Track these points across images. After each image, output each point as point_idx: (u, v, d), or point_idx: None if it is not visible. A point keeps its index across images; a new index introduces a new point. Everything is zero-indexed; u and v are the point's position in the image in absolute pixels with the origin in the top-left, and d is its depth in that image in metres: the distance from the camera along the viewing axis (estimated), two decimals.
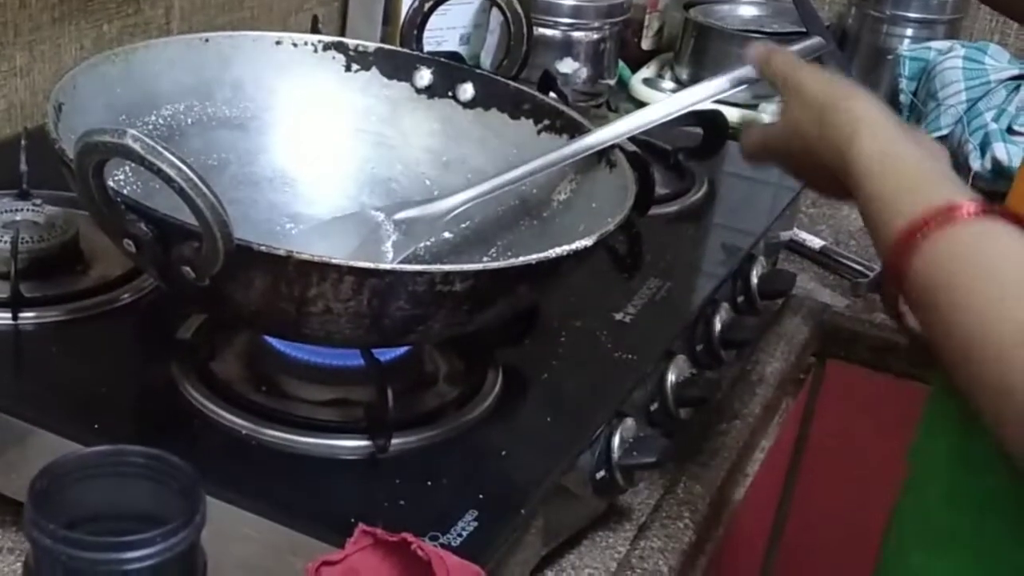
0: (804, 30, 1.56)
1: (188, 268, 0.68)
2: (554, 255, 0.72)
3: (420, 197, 0.93)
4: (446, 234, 0.91)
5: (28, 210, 0.92)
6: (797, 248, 1.30)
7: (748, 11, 1.68)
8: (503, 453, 0.79)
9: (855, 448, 1.28)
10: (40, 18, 1.15)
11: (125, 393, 0.80)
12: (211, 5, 1.35)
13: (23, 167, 0.96)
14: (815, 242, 1.30)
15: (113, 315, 0.87)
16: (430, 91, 0.96)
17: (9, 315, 0.84)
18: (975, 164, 1.35)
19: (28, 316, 0.84)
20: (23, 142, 0.97)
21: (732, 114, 1.38)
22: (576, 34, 1.52)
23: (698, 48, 1.62)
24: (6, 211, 0.92)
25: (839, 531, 1.00)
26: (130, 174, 0.83)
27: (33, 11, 1.14)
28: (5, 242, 0.87)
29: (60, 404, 0.77)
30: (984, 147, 1.35)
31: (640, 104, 1.60)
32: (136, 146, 0.63)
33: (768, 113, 1.54)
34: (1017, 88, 1.40)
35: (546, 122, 0.92)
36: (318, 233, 0.90)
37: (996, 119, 1.37)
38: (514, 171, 0.87)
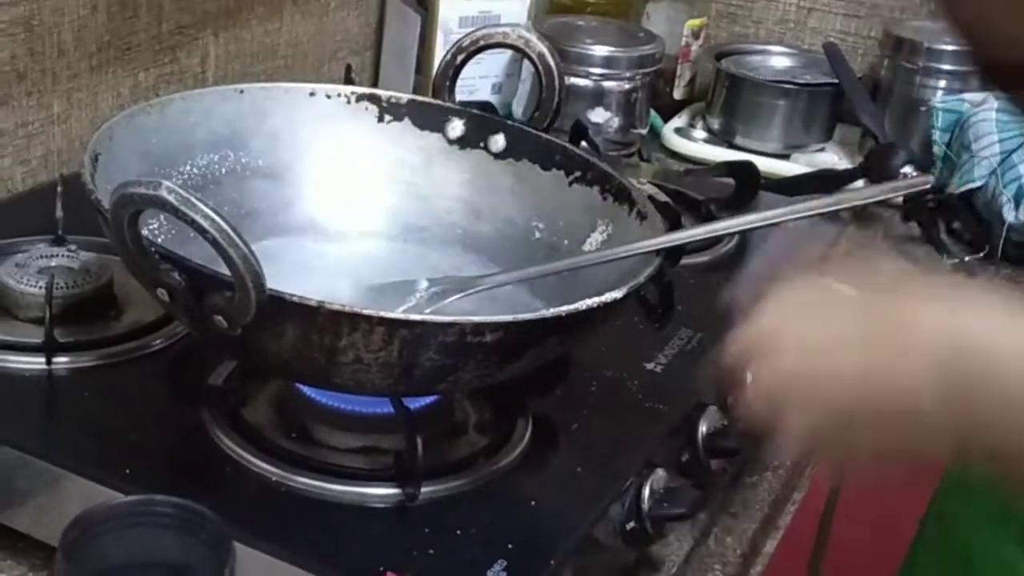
0: (836, 81, 1.57)
1: (220, 317, 0.68)
2: (584, 307, 0.72)
3: (452, 247, 0.94)
4: None
5: (63, 256, 0.93)
6: None
7: (780, 62, 1.68)
8: (533, 503, 0.79)
9: (890, 498, 1.27)
10: (78, 66, 1.17)
11: (157, 438, 0.80)
12: (246, 54, 1.37)
13: (59, 213, 0.97)
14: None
15: (145, 360, 0.87)
16: (462, 142, 0.97)
17: (43, 360, 0.84)
18: (1009, 216, 1.34)
19: (61, 361, 0.85)
20: (59, 189, 0.98)
21: (763, 164, 1.38)
22: (608, 84, 1.52)
23: (730, 98, 1.62)
24: (42, 256, 0.93)
25: None
26: (164, 221, 0.83)
27: (71, 59, 1.16)
28: (40, 287, 0.87)
29: (92, 449, 0.78)
30: (1018, 199, 1.34)
31: (672, 153, 1.61)
32: (171, 198, 0.63)
33: (801, 163, 1.54)
34: None
35: (577, 173, 0.93)
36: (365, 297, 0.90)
37: None
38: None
